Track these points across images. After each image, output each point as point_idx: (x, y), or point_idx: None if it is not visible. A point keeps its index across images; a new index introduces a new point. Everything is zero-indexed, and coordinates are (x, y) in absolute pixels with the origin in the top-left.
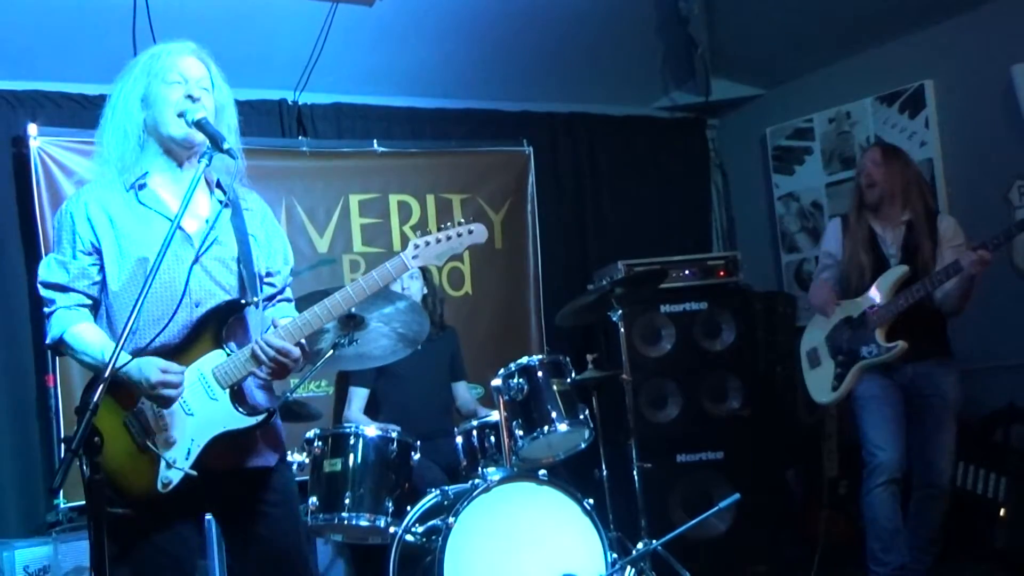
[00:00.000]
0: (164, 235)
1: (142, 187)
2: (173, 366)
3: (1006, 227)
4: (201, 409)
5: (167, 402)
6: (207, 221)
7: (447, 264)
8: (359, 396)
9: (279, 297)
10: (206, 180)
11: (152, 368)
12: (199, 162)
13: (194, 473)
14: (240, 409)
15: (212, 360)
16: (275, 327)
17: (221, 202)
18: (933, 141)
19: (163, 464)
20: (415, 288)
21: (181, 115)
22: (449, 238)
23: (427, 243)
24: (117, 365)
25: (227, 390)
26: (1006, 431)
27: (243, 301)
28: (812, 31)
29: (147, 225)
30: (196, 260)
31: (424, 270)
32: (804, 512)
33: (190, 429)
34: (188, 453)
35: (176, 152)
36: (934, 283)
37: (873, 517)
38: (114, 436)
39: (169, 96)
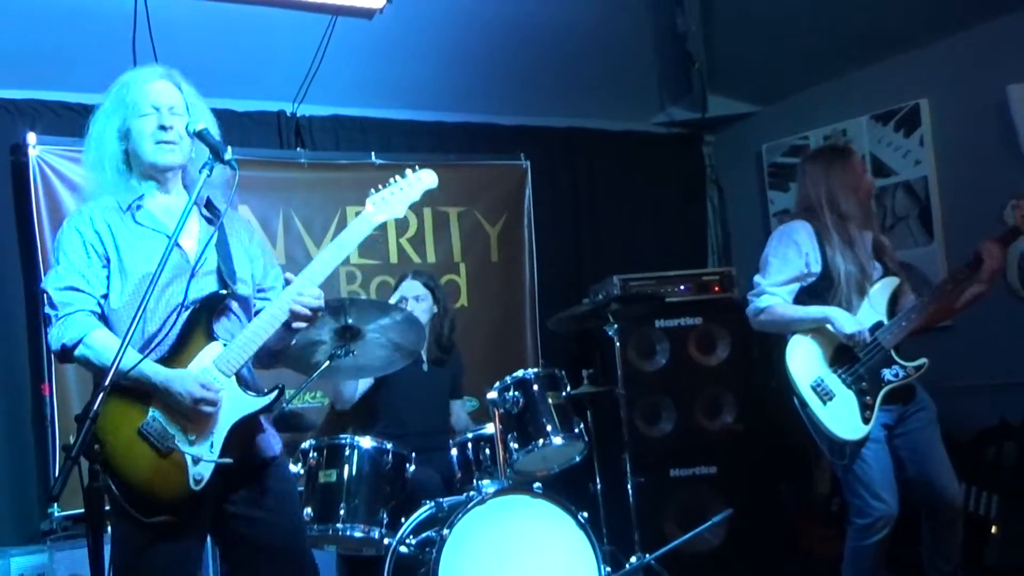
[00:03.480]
0: (162, 251)
1: (139, 208)
2: (211, 383)
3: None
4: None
5: (203, 415)
6: (198, 239)
7: (443, 277)
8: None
9: None
10: (195, 202)
11: (193, 383)
12: (200, 173)
13: (229, 460)
14: (250, 393)
15: (210, 353)
16: (288, 283)
17: (207, 218)
18: (928, 160)
19: (189, 461)
20: (421, 309)
21: (160, 143)
22: (403, 189)
23: (383, 199)
24: (125, 368)
25: (232, 377)
26: (998, 449)
27: (223, 292)
28: (809, 49)
29: (146, 244)
30: (192, 275)
31: (434, 292)
32: (797, 527)
33: (209, 422)
34: (212, 445)
35: (156, 176)
36: (947, 290)
37: (864, 567)
38: (133, 447)
39: (144, 128)
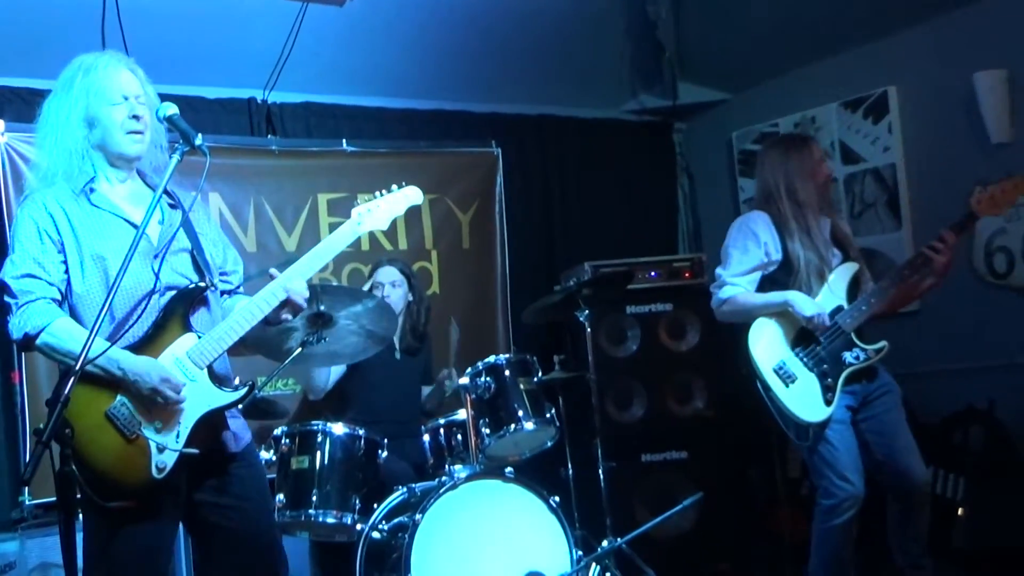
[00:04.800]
0: (120, 234)
1: (92, 191)
2: (173, 375)
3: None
4: (184, 391)
5: (162, 403)
6: (160, 222)
7: (415, 264)
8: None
9: (237, 293)
10: (149, 187)
11: (154, 371)
12: (171, 157)
13: (194, 451)
14: (220, 387)
15: (184, 344)
16: (272, 277)
17: (170, 204)
18: (896, 146)
19: (154, 449)
20: (397, 296)
21: (131, 132)
22: (388, 203)
23: (369, 210)
24: (92, 355)
25: (204, 370)
26: (965, 433)
27: (202, 284)
28: (778, 37)
29: (104, 226)
30: (157, 255)
31: (410, 279)
32: (766, 511)
33: (176, 412)
34: (178, 436)
35: (121, 165)
36: (906, 276)
37: (832, 549)
38: (99, 431)
39: (115, 117)
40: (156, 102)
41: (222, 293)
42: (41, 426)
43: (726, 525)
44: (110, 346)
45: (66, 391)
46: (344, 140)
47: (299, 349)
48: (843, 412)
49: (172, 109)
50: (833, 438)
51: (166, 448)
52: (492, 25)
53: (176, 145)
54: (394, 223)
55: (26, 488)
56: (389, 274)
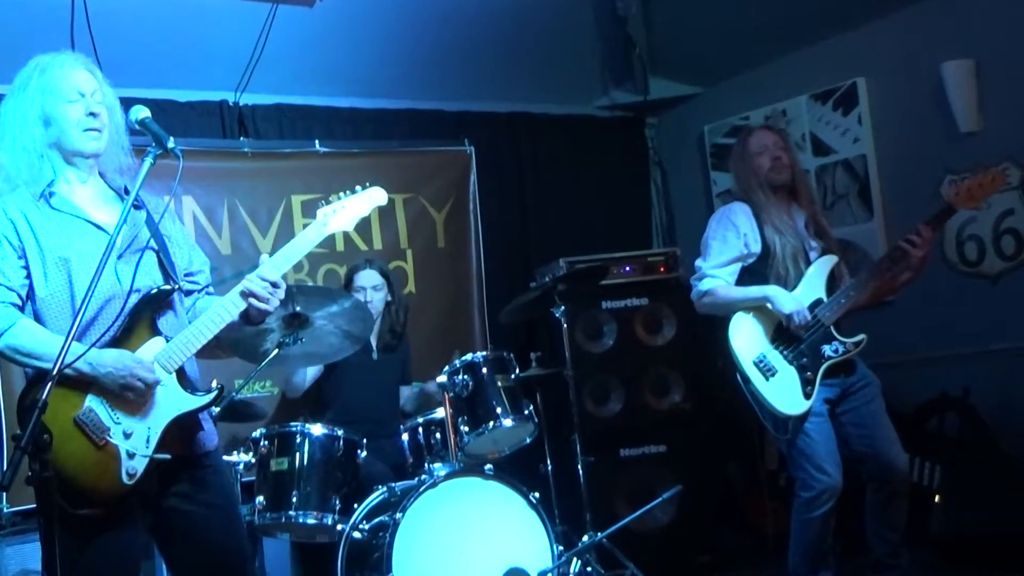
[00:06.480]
0: (83, 236)
1: (51, 195)
2: (145, 361)
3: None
4: (153, 396)
5: (133, 394)
6: (124, 222)
7: (390, 263)
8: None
9: (205, 292)
10: (112, 188)
11: (128, 360)
12: (144, 161)
13: (166, 456)
14: (189, 391)
15: (152, 348)
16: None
17: (134, 206)
18: (866, 137)
19: (124, 455)
20: (378, 299)
21: (88, 130)
22: (353, 204)
23: (334, 211)
24: (68, 360)
25: (173, 374)
26: (940, 420)
27: (169, 287)
28: (748, 30)
29: (66, 228)
30: (120, 257)
31: (388, 279)
32: (745, 504)
33: (146, 417)
34: (148, 441)
35: (79, 163)
36: (884, 269)
37: (810, 540)
38: (68, 438)
39: (71, 115)
40: (116, 104)
41: (186, 293)
42: (19, 432)
43: (706, 518)
44: (88, 348)
45: (43, 395)
46: (317, 141)
47: (276, 351)
48: (821, 405)
49: (144, 112)
50: (811, 430)
51: (136, 454)
52: (462, 24)
53: (148, 148)
54: (368, 222)
55: (4, 495)
56: (370, 278)
